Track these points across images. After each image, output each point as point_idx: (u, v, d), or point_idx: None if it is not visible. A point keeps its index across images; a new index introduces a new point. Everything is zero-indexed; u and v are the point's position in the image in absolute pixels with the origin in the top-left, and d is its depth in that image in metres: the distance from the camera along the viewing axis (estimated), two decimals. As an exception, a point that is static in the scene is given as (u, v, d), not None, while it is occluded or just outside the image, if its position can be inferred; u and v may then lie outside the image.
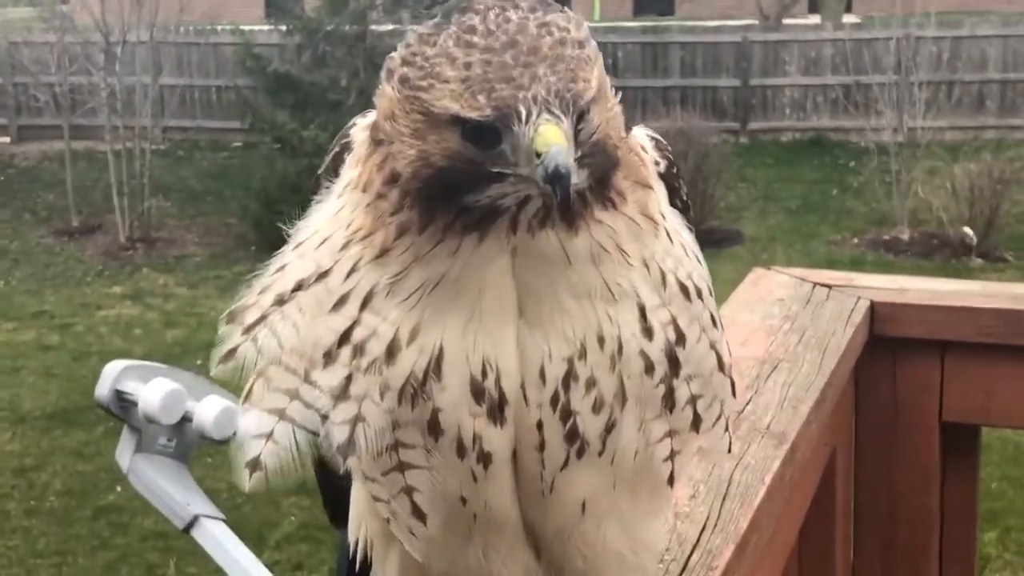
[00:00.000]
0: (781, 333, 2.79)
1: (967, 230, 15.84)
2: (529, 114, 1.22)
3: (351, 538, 1.64)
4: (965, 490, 3.15)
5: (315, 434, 1.37)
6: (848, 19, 28.21)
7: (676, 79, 22.67)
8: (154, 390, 2.68)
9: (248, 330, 1.40)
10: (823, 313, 2.92)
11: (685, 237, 1.46)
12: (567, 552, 1.52)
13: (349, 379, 1.34)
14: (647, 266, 1.39)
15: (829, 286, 3.08)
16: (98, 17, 18.35)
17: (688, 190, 1.55)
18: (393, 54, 1.32)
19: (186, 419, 2.66)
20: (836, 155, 21.13)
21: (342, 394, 1.35)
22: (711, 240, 15.74)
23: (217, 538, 2.72)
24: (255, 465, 1.40)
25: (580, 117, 1.26)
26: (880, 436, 3.07)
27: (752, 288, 3.11)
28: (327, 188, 1.44)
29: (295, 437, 1.37)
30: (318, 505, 2.00)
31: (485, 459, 1.37)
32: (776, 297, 3.02)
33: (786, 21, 27.49)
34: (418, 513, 1.43)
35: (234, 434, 1.51)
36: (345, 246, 1.36)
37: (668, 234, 1.42)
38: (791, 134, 22.39)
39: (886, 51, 19.27)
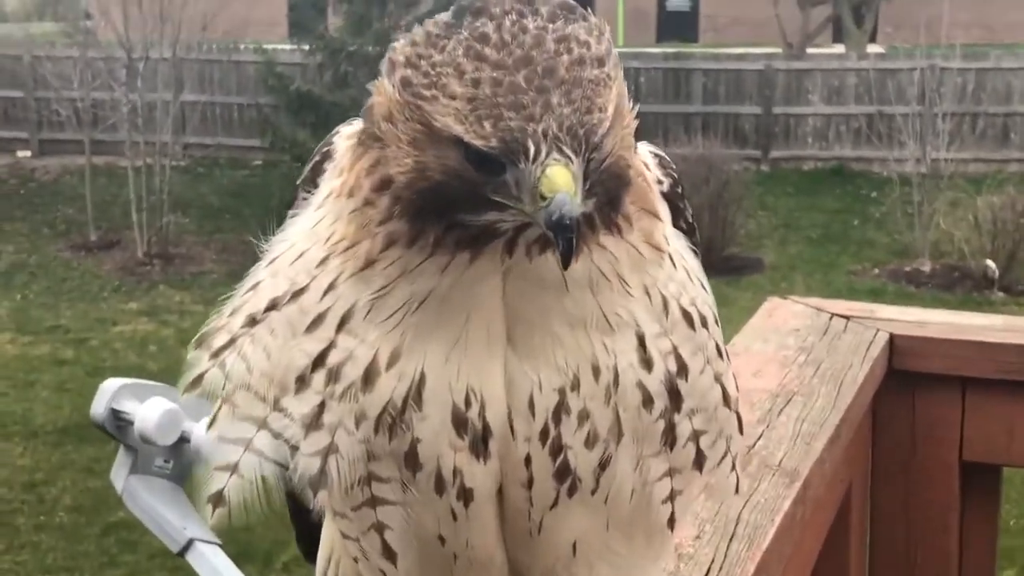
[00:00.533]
0: (796, 365, 2.70)
1: (989, 263, 15.76)
2: (538, 152, 1.12)
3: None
4: (985, 530, 3.06)
5: (283, 466, 1.27)
6: (872, 49, 28.13)
7: (698, 106, 22.67)
8: (151, 409, 2.62)
9: (216, 354, 1.31)
10: (840, 345, 2.83)
11: (689, 262, 1.37)
12: None
13: (322, 407, 1.25)
14: (648, 293, 1.30)
15: (847, 317, 2.98)
16: (121, 33, 18.52)
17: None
18: (396, 45, 1.21)
19: (183, 439, 2.60)
20: (858, 185, 21.07)
21: (314, 423, 1.25)
22: (731, 267, 15.72)
23: (212, 563, 2.65)
24: (218, 500, 1.30)
25: (593, 149, 1.16)
26: (897, 474, 2.97)
27: (767, 317, 3.02)
28: (305, 200, 1.34)
29: (261, 470, 1.28)
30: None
31: (466, 496, 1.28)
32: (792, 327, 2.93)
33: (810, 50, 27.53)
34: (388, 553, 1.34)
35: None
36: (323, 261, 1.26)
37: (671, 259, 1.33)
38: (813, 163, 22.34)
39: (910, 82, 19.18)
